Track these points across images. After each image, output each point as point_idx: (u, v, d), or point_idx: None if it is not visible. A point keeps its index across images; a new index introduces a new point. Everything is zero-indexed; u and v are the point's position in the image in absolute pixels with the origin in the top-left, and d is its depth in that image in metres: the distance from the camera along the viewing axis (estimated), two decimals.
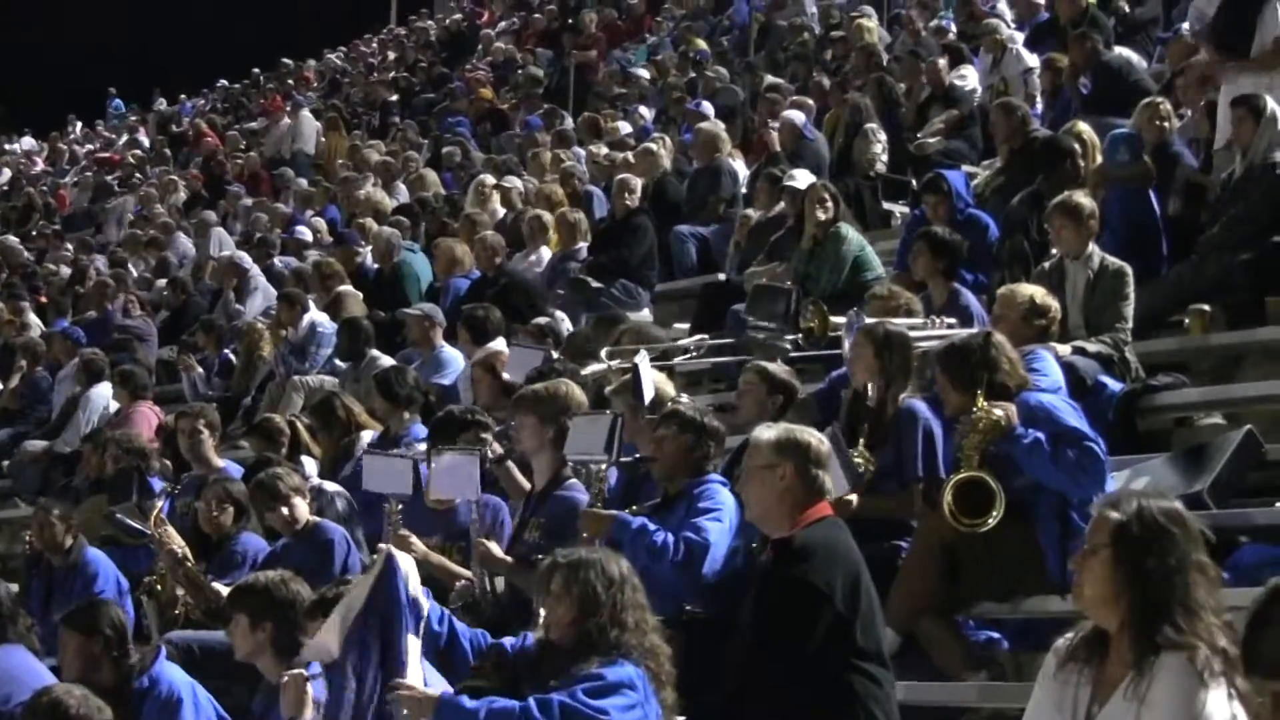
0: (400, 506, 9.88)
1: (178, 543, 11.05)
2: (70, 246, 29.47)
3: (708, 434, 9.10)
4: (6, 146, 43.27)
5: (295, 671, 7.90)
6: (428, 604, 7.39)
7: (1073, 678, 5.48)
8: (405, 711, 6.88)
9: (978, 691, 8.30)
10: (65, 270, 27.21)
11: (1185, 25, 16.26)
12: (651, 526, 8.66)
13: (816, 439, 7.56)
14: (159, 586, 11.02)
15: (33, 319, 23.88)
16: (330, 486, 11.62)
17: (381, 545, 7.93)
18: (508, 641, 7.63)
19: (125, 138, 39.66)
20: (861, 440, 9.23)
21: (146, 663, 8.91)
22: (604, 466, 9.28)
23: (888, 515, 9.04)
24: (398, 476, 10.08)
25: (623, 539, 8.49)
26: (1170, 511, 5.42)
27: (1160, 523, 5.36)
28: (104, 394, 18.08)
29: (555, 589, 7.12)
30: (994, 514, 8.21)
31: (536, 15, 34.62)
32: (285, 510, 10.66)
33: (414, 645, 7.17)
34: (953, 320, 11.00)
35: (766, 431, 7.63)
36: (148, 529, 11.31)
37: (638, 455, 9.88)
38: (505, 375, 12.40)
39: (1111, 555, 5.35)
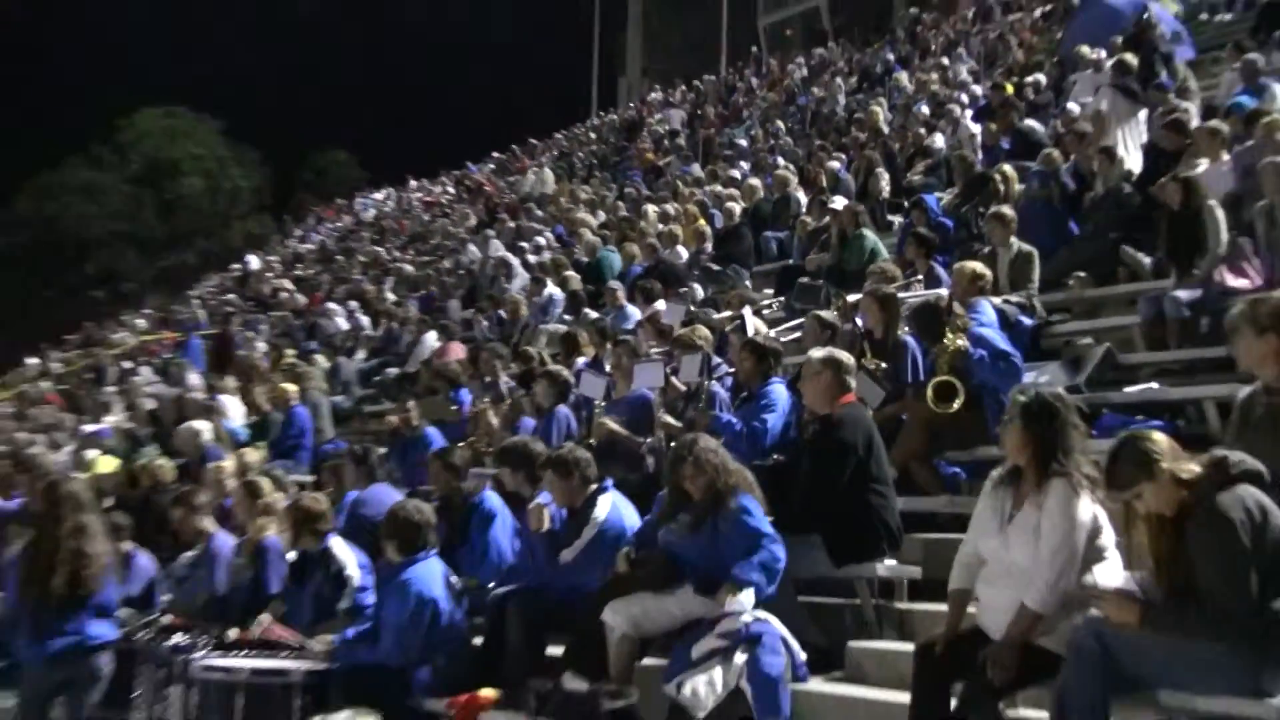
0: (603, 403, 10.02)
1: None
2: (410, 253, 29.71)
3: (769, 354, 8.85)
4: (361, 199, 43.30)
5: (536, 503, 7.76)
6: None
7: (1000, 492, 5.51)
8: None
9: (946, 502, 8.30)
10: (409, 269, 27.40)
11: (1069, 105, 16.02)
12: (736, 423, 8.46)
13: (846, 357, 7.56)
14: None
15: (389, 294, 24.13)
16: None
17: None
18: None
19: (440, 188, 39.94)
20: (865, 357, 9.04)
21: (478, 487, 8.90)
22: (707, 385, 9.09)
23: (900, 415, 8.68)
24: (595, 387, 10.19)
25: (717, 428, 8.28)
26: (1055, 394, 5.43)
27: (1049, 402, 5.36)
28: (431, 337, 18.28)
29: (689, 471, 6.75)
30: (958, 401, 8.18)
31: (677, 110, 34.48)
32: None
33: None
34: (920, 279, 10.97)
35: (816, 352, 7.67)
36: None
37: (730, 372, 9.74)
38: (663, 320, 12.19)
39: (1020, 423, 5.38)
